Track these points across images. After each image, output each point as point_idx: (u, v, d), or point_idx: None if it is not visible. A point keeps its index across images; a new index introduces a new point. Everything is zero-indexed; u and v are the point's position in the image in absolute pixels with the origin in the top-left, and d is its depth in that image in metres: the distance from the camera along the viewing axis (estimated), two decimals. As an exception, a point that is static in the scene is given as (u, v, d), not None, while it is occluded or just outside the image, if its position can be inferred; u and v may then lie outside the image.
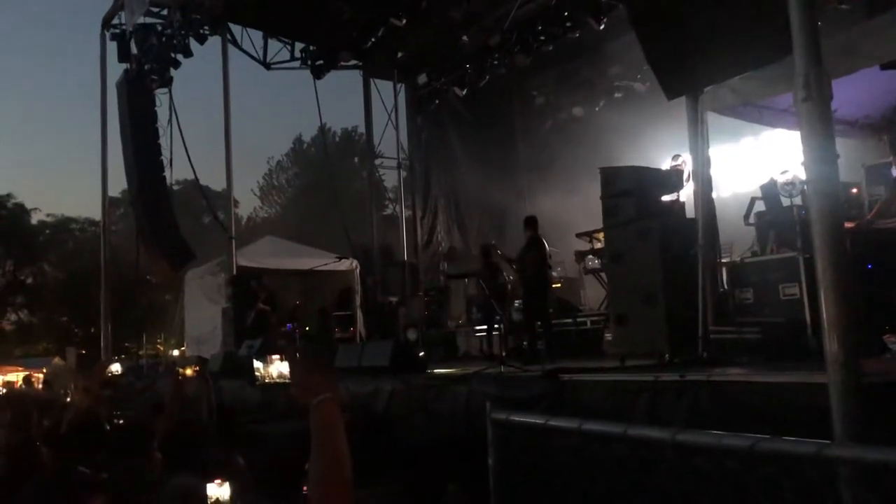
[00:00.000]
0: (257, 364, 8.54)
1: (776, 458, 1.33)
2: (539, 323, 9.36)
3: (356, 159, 36.97)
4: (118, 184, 18.75)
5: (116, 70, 14.80)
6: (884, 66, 5.98)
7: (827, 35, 8.31)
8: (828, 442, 1.30)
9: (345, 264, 14.76)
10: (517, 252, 9.62)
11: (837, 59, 5.37)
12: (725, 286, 6.76)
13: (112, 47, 14.59)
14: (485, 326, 12.16)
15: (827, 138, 3.81)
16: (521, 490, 1.99)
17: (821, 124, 3.79)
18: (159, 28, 13.83)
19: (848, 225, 6.60)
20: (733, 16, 5.24)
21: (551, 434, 1.79)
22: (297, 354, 1.84)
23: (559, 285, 13.06)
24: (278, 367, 8.08)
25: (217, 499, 2.64)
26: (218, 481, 2.69)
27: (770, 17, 4.31)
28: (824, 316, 3.66)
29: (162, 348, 24.34)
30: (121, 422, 4.78)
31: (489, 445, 1.98)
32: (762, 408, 4.21)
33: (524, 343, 11.60)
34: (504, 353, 8.88)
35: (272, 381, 8.11)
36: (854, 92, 7.15)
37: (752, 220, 7.25)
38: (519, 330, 11.37)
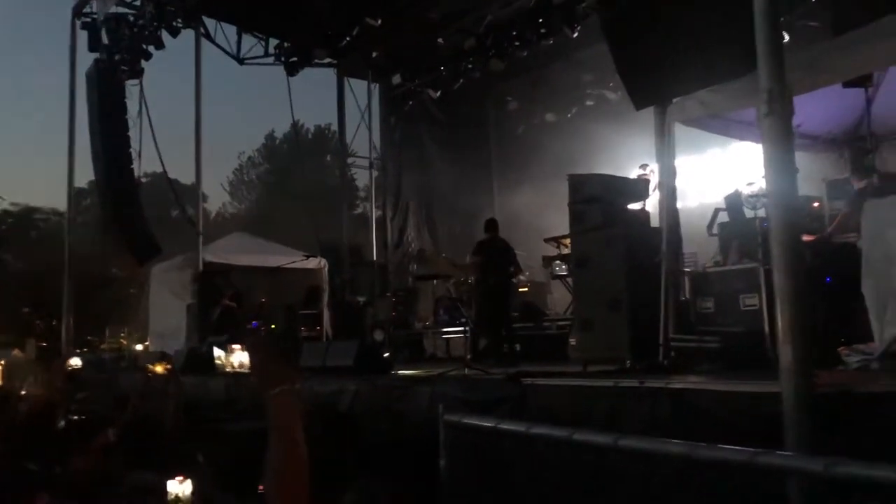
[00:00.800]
0: (218, 353, 8.47)
1: (713, 464, 1.37)
2: (503, 326, 9.46)
3: (328, 157, 36.83)
4: (85, 174, 18.48)
5: (87, 59, 14.61)
6: (846, 84, 6.12)
7: (793, 51, 8.48)
8: (760, 450, 1.35)
9: (313, 262, 14.70)
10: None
11: (802, 76, 5.49)
12: (688, 295, 6.86)
13: (83, 36, 14.38)
14: (451, 328, 12.23)
15: (787, 153, 3.90)
16: (471, 491, 2.02)
17: (782, 139, 3.88)
18: (131, 18, 13.65)
19: (808, 238, 6.75)
20: (702, 30, 5.33)
21: (504, 437, 1.82)
22: (258, 344, 1.85)
23: (526, 289, 13.16)
24: (239, 357, 8.01)
25: (177, 495, 2.63)
26: (179, 478, 2.69)
27: (737, 33, 4.39)
28: (780, 325, 3.75)
29: (125, 343, 24.01)
30: (75, 417, 4.72)
31: (441, 447, 2.00)
32: (719, 415, 4.29)
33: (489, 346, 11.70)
34: (469, 356, 8.92)
35: (233, 370, 8.05)
36: (818, 108, 7.32)
37: (715, 230, 7.37)
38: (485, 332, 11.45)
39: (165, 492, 2.56)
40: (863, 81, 6.34)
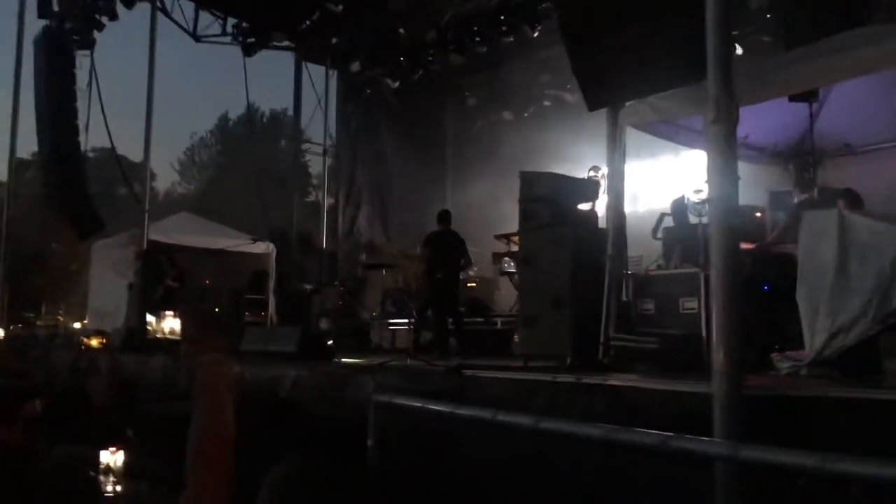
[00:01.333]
0: (150, 318, 8.32)
1: (630, 448, 1.41)
2: (451, 319, 9.49)
3: (283, 142, 36.40)
4: (28, 145, 17.93)
5: (36, 26, 14.14)
6: (792, 98, 6.29)
7: (744, 63, 8.69)
8: (671, 434, 1.38)
9: (261, 247, 14.52)
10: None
11: (751, 87, 5.62)
12: (630, 296, 6.97)
13: (32, 1, 13.93)
14: (398, 320, 12.23)
15: (731, 160, 4.01)
16: (400, 472, 2.03)
17: (726, 147, 3.98)
18: (85, -14, 13.30)
19: (749, 246, 6.92)
20: (657, 37, 5.42)
21: (434, 420, 1.83)
22: (190, 312, 1.82)
23: (475, 285, 13.23)
24: (170, 324, 7.88)
25: (109, 465, 2.60)
26: (112, 449, 2.65)
27: (691, 42, 4.47)
28: (714, 328, 3.85)
29: (63, 320, 23.42)
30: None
31: (370, 428, 2.01)
32: (651, 413, 4.38)
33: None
34: (413, 347, 8.95)
35: (163, 336, 7.92)
36: (765, 121, 7.49)
37: (659, 234, 7.51)
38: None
39: (97, 462, 2.52)
40: (808, 97, 6.51)
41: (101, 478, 2.52)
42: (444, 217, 10.07)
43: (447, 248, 9.60)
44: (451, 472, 2.60)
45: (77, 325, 18.60)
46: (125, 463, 2.52)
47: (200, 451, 1.59)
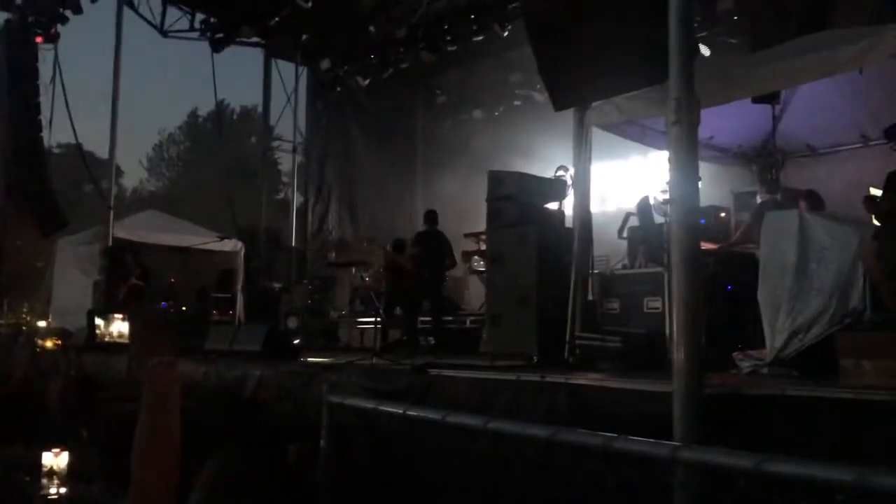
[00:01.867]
0: (98, 322, 8.19)
1: (572, 447, 1.41)
2: (433, 318, 9.49)
3: (253, 139, 36.09)
4: (-10, 140, 17.54)
5: (-1, 18, 13.87)
6: (755, 100, 6.36)
7: (709, 65, 8.78)
8: (613, 435, 1.38)
9: (229, 245, 14.38)
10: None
11: (714, 89, 5.68)
12: (595, 295, 7.01)
13: (-6, -7, 13.65)
14: (366, 319, 12.18)
15: (691, 161, 4.03)
16: (352, 472, 2.02)
17: (687, 147, 4.00)
18: (49, -21, 13.07)
19: (712, 246, 7.00)
20: (622, 37, 5.44)
21: (393, 421, 1.82)
22: (137, 315, 1.79)
23: (444, 283, 13.22)
24: (119, 326, 7.77)
25: (52, 468, 2.54)
26: (55, 450, 2.59)
27: (655, 43, 4.50)
28: (674, 327, 3.87)
29: (28, 318, 22.96)
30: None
31: (323, 428, 1.99)
32: (613, 411, 4.40)
33: (404, 337, 11.73)
34: (380, 346, 8.92)
35: (112, 340, 7.80)
36: (729, 122, 7.59)
37: (625, 234, 7.56)
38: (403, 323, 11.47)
39: (37, 465, 2.47)
40: (770, 98, 6.59)
41: (45, 481, 2.46)
42: (431, 217, 10.05)
43: (434, 247, 9.59)
44: (408, 472, 2.59)
45: (41, 323, 18.27)
46: (72, 464, 2.46)
47: (144, 453, 1.56)
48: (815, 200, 6.75)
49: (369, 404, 1.86)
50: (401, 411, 1.72)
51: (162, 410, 1.63)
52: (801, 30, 6.32)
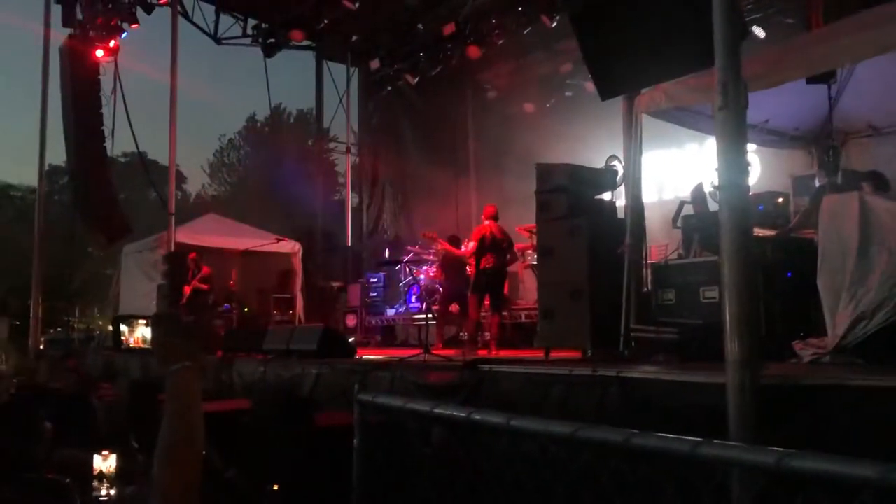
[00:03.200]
0: (123, 328, 8.39)
1: (593, 444, 1.38)
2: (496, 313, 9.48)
3: (310, 142, 36.60)
4: (61, 152, 18.25)
5: (61, 34, 14.39)
6: (809, 80, 6.16)
7: (761, 46, 8.52)
8: (634, 431, 1.35)
9: (287, 246, 14.64)
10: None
11: (766, 71, 5.52)
12: (650, 286, 6.89)
13: (56, 10, 14.15)
14: (422, 315, 12.25)
15: (739, 147, 3.92)
16: (384, 473, 2.02)
17: (734, 133, 3.90)
18: (106, -7, 13.49)
19: (770, 233, 6.80)
20: (668, 21, 5.33)
21: (416, 419, 1.83)
22: (159, 320, 1.83)
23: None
24: (142, 332, 7.93)
25: (101, 471, 2.62)
26: (105, 453, 2.67)
27: (701, 26, 4.39)
28: (727, 317, 3.78)
29: (101, 323, 23.84)
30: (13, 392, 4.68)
31: (355, 426, 2.01)
32: (666, 404, 4.33)
33: (460, 333, 11.76)
34: (432, 343, 8.97)
35: (137, 345, 7.97)
36: (786, 104, 7.36)
37: (679, 222, 7.40)
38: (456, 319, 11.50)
39: (91, 467, 2.55)
40: (825, 78, 6.37)
41: (95, 483, 2.54)
42: (492, 212, 10.01)
43: (495, 242, 9.57)
44: (434, 471, 2.60)
45: (111, 327, 18.93)
46: (120, 467, 2.54)
47: (167, 456, 1.59)
48: (879, 181, 6.48)
49: (397, 402, 1.86)
50: (427, 409, 1.72)
51: (184, 414, 1.65)
52: (859, 4, 6.07)
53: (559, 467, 1.62)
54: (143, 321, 8.16)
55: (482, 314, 9.80)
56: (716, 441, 1.21)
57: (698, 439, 1.21)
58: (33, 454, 2.94)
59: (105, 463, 2.58)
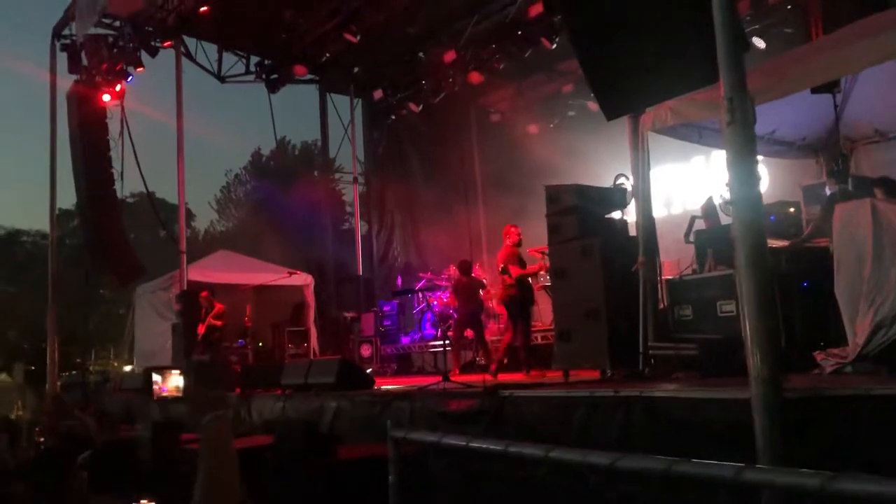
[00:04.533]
0: (156, 378, 8.39)
1: (636, 473, 1.38)
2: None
3: (315, 173, 36.77)
4: (71, 196, 18.41)
5: (67, 80, 14.59)
6: (814, 90, 6.17)
7: (763, 58, 8.55)
8: (675, 459, 1.34)
9: (299, 279, 14.66)
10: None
11: (769, 84, 5.54)
12: (666, 303, 6.87)
13: (62, 58, 14.36)
14: (437, 342, 12.23)
15: (750, 161, 3.93)
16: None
17: (744, 147, 3.91)
18: (111, 39, 13.66)
19: (783, 243, 6.78)
20: (669, 39, 5.36)
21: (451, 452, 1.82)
22: (192, 371, 1.84)
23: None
24: (175, 381, 7.93)
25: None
26: (143, 502, 2.67)
27: (703, 43, 4.42)
28: (747, 331, 3.76)
29: (116, 364, 23.89)
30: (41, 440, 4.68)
31: (390, 462, 2.00)
32: (691, 422, 4.30)
33: (476, 358, 11.73)
34: (452, 368, 8.94)
35: (169, 395, 7.97)
36: (792, 114, 7.37)
37: (691, 237, 7.40)
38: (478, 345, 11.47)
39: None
40: (830, 87, 6.38)
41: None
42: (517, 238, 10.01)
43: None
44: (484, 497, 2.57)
45: (127, 368, 18.97)
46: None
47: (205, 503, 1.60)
48: (891, 187, 6.46)
49: (432, 437, 1.86)
50: (464, 443, 1.71)
51: (219, 463, 1.66)
52: (856, 14, 6.10)
53: (599, 496, 1.62)
54: (175, 371, 8.15)
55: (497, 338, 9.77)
56: (759, 466, 1.20)
57: (740, 465, 1.21)
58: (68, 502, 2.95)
59: (144, 511, 2.57)
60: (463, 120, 17.15)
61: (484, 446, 1.66)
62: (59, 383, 15.01)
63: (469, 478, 3.18)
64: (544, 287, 12.11)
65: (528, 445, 1.52)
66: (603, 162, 12.45)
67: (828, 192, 7.11)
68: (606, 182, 8.58)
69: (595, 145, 12.83)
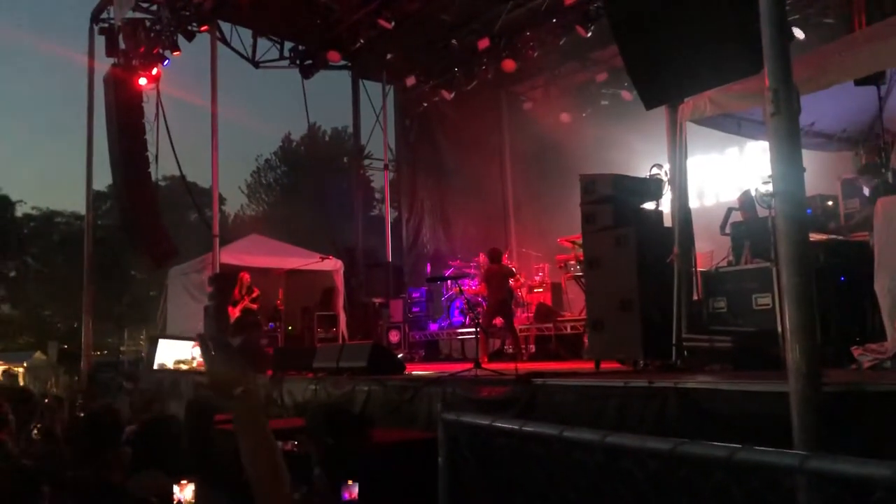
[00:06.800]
0: (161, 346, 8.44)
1: (695, 461, 1.39)
2: None
3: (346, 159, 36.90)
4: (105, 178, 18.68)
5: (105, 64, 14.79)
6: (858, 82, 6.07)
7: (805, 49, 8.42)
8: (737, 446, 1.35)
9: (329, 264, 14.77)
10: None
11: (812, 74, 5.46)
12: (700, 295, 6.82)
13: (100, 41, 14.55)
14: (466, 329, 12.27)
15: (794, 153, 3.88)
16: (468, 489, 2.05)
17: (788, 139, 3.86)
18: (148, 23, 13.82)
19: (822, 237, 6.70)
20: (711, 29, 5.30)
21: (500, 436, 1.85)
22: (211, 349, 1.87)
23: (542, 289, 13.19)
24: (180, 353, 7.91)
25: (179, 500, 2.66)
26: (183, 482, 2.72)
27: (746, 32, 4.38)
28: (787, 325, 3.73)
29: (145, 345, 24.24)
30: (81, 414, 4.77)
31: (439, 445, 2.03)
32: (726, 415, 4.28)
33: (505, 346, 11.76)
34: (481, 355, 8.95)
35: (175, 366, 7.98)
36: (833, 106, 7.26)
37: (728, 229, 7.33)
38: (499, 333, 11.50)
39: (171, 494, 2.60)
40: (875, 79, 6.27)
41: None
42: None
43: None
44: (517, 486, 2.59)
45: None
46: (197, 491, 2.58)
47: (256, 478, 1.64)
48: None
49: (484, 421, 1.88)
50: (517, 427, 1.73)
51: (256, 433, 1.70)
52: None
53: (657, 481, 1.63)
54: (180, 341, 8.22)
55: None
56: (824, 454, 1.21)
57: (804, 453, 1.21)
58: (110, 478, 3.01)
59: (183, 493, 2.62)
60: (494, 108, 17.11)
61: (538, 430, 1.68)
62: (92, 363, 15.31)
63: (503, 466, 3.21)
64: (574, 277, 12.11)
65: (585, 430, 1.54)
66: (636, 152, 12.38)
67: (865, 186, 7.01)
68: (638, 172, 8.53)
69: (627, 135, 12.76)
